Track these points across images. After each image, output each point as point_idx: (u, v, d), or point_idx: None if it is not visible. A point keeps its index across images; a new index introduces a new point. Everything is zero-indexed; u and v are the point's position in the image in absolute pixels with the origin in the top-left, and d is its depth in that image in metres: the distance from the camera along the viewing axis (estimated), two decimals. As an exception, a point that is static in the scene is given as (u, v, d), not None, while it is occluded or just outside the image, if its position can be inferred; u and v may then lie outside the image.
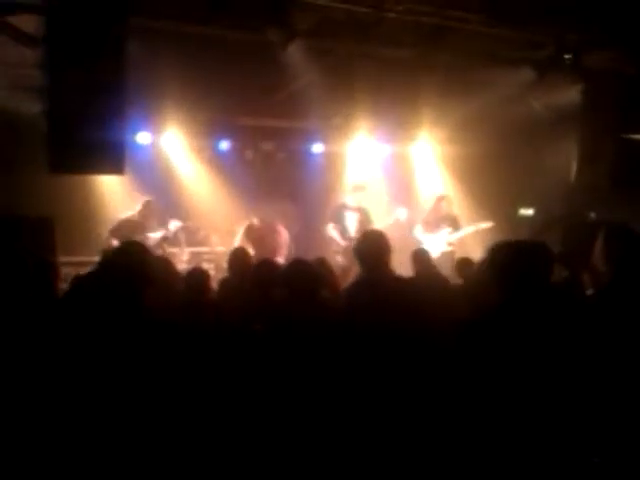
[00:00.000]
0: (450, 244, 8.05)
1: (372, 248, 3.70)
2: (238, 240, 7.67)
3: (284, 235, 7.99)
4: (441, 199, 8.37)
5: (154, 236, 7.47)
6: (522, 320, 2.73)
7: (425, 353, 3.12)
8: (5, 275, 2.77)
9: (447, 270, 6.14)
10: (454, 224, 8.18)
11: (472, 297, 4.22)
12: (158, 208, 7.69)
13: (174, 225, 7.57)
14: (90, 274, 3.50)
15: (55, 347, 2.63)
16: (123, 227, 7.29)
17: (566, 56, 6.91)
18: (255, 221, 7.94)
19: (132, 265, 3.03)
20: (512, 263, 2.84)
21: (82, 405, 2.57)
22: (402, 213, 8.34)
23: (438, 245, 7.98)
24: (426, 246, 7.58)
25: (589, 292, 3.78)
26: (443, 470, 2.66)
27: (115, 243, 7.04)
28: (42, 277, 3.38)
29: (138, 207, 7.57)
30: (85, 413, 2.56)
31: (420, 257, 5.58)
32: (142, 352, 2.76)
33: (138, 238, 7.12)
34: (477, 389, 2.64)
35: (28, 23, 5.34)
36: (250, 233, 7.74)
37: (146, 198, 7.63)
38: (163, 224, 7.60)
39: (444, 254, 7.88)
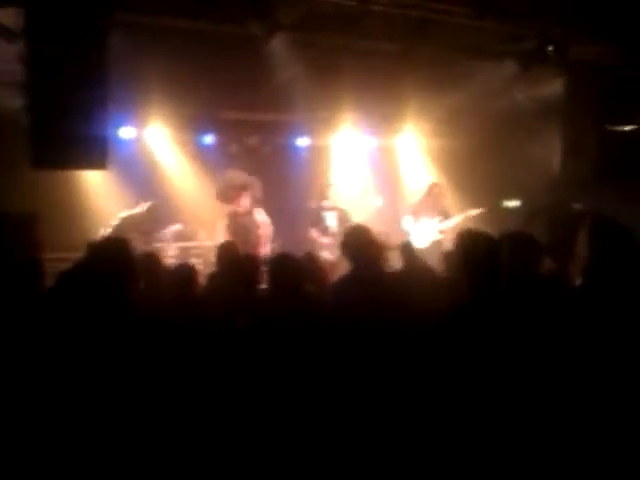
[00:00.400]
0: (442, 232, 7.99)
1: (358, 243, 3.71)
2: (220, 230, 7.56)
3: (266, 225, 7.90)
4: (433, 187, 8.26)
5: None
6: (493, 315, 2.74)
7: (409, 348, 3.12)
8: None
9: (435, 260, 6.15)
10: (445, 214, 8.12)
11: (450, 291, 4.23)
12: (162, 211, 7.64)
13: (174, 228, 7.62)
14: (74, 270, 3.45)
15: (40, 345, 2.60)
16: (124, 225, 7.24)
17: (549, 49, 6.95)
18: (236, 209, 7.83)
19: (116, 261, 3.00)
20: (481, 258, 2.85)
21: (69, 402, 2.55)
22: (378, 200, 8.35)
23: (428, 234, 7.97)
24: (415, 236, 7.58)
25: (577, 283, 3.80)
26: (432, 461, 2.68)
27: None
28: (28, 274, 3.34)
29: (140, 208, 7.50)
30: (72, 410, 2.54)
31: (407, 250, 5.59)
32: (129, 348, 2.74)
33: (136, 237, 7.13)
34: (451, 387, 2.65)
35: (8, 16, 5.27)
36: (232, 223, 7.64)
37: (151, 202, 7.57)
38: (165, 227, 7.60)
39: (434, 243, 7.87)
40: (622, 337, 2.86)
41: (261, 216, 7.63)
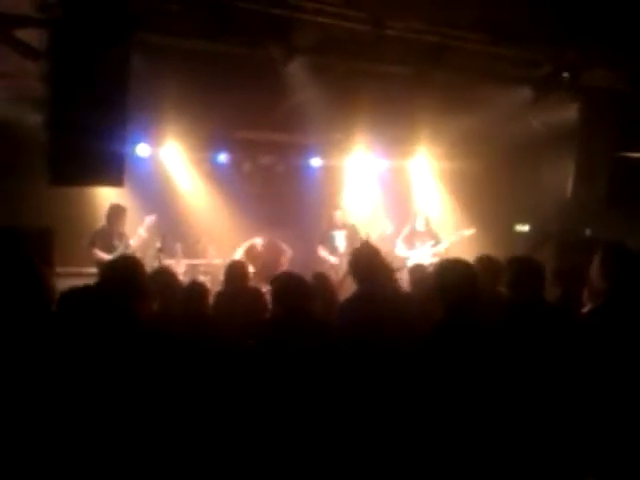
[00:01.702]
0: (435, 255, 8.08)
1: (364, 263, 3.74)
2: (238, 257, 7.64)
3: (288, 252, 8.07)
4: (415, 217, 8.46)
5: (140, 235, 7.45)
6: (468, 339, 2.79)
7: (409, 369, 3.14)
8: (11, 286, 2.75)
9: None
10: (435, 238, 8.29)
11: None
12: (124, 210, 7.57)
13: (150, 219, 7.51)
14: (83, 289, 3.45)
15: (49, 361, 2.62)
16: (99, 236, 7.30)
17: (564, 74, 6.97)
18: (258, 243, 7.95)
19: (123, 279, 3.02)
20: (453, 284, 2.91)
21: (77, 416, 2.57)
22: (387, 227, 8.44)
23: (423, 259, 8.02)
24: (411, 261, 7.64)
25: (586, 309, 3.79)
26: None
27: (98, 252, 7.10)
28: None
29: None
30: (80, 423, 2.56)
31: (417, 272, 5.59)
32: (137, 364, 2.76)
33: (117, 244, 7.18)
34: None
35: (30, 35, 5.39)
36: (251, 254, 7.74)
37: (113, 203, 7.55)
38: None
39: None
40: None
41: (283, 245, 7.81)
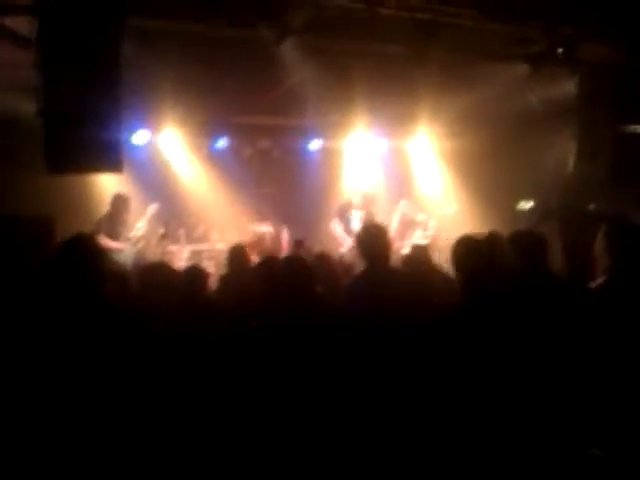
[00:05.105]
0: (426, 237, 8.11)
1: (373, 242, 3.74)
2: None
3: (285, 238, 8.06)
4: (403, 207, 8.39)
5: (139, 228, 7.44)
6: (486, 317, 2.78)
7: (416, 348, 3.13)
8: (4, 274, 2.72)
9: None
10: (423, 226, 8.30)
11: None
12: (128, 199, 7.58)
13: (152, 208, 7.52)
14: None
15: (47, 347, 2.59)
16: (103, 223, 7.30)
17: (559, 50, 6.92)
18: (264, 231, 7.95)
19: (79, 259, 2.88)
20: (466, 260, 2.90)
21: (72, 403, 2.56)
22: (405, 206, 8.38)
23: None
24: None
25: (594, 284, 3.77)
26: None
27: (102, 239, 7.08)
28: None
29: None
30: (75, 412, 2.55)
31: (418, 251, 5.58)
32: (132, 351, 2.74)
33: (121, 231, 7.17)
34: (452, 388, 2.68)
35: (20, 23, 5.34)
36: (253, 238, 7.74)
37: (117, 192, 7.53)
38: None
39: None
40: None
41: (285, 235, 7.81)
